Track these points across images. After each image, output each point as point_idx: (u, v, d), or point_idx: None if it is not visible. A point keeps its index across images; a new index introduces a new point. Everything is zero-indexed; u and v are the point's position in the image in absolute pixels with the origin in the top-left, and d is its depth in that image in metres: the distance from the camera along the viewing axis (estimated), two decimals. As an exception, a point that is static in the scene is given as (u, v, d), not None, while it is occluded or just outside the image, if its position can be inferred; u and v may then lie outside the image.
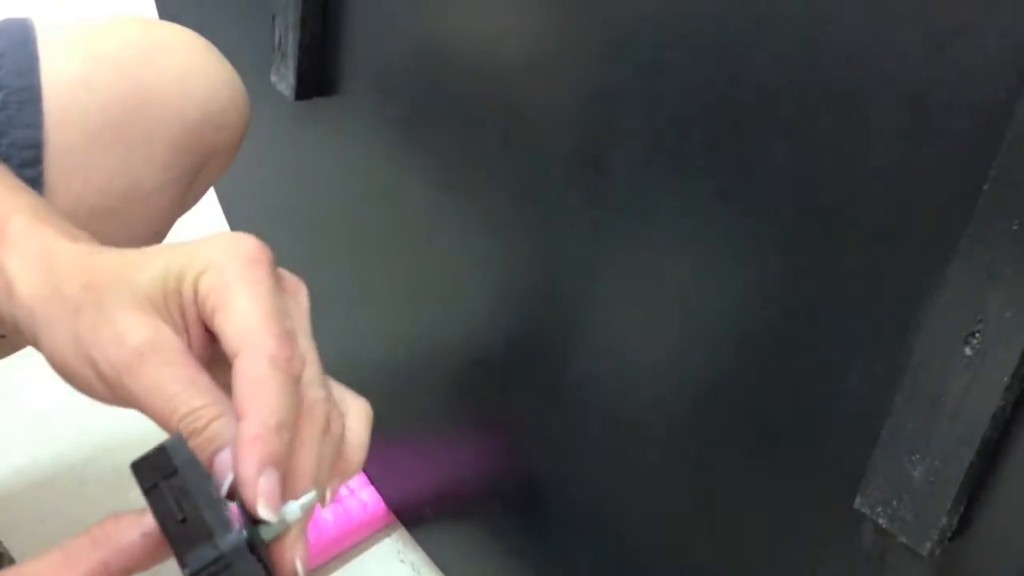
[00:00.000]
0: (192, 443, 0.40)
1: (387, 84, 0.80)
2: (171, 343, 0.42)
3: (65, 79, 0.65)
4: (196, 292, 0.43)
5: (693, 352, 0.63)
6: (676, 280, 0.63)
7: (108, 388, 0.42)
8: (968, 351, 0.47)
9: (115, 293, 0.43)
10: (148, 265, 0.44)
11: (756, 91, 0.55)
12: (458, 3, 0.73)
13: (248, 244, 0.44)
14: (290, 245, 1.03)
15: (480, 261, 0.77)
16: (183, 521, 0.38)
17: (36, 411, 1.02)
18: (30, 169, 0.63)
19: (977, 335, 0.46)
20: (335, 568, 0.95)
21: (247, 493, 0.39)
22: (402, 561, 0.96)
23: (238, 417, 0.40)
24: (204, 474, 0.39)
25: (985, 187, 0.45)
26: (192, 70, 0.69)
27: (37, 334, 0.45)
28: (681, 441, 0.65)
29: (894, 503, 0.51)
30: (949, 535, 0.50)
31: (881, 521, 0.52)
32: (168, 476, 0.38)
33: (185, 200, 0.73)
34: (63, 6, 1.48)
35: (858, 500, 0.53)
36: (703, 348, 0.62)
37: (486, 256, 0.77)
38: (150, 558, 0.40)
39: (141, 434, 0.42)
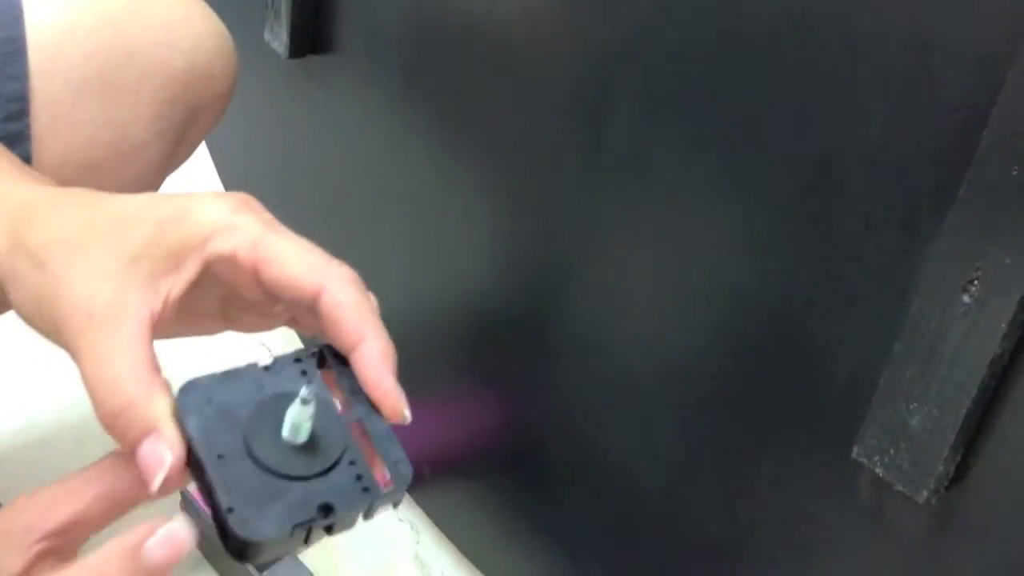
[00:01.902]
0: (117, 430, 0.41)
1: (382, 40, 0.79)
2: (130, 312, 0.42)
3: (50, 30, 0.64)
4: (218, 255, 0.43)
5: (692, 304, 0.63)
6: (676, 232, 0.63)
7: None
8: (967, 298, 0.47)
9: (84, 252, 0.43)
10: (130, 229, 0.44)
11: (755, 42, 0.55)
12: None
13: (241, 198, 0.45)
14: (285, 203, 1.03)
15: (479, 217, 0.77)
16: (212, 508, 0.40)
17: (34, 370, 1.02)
18: (16, 122, 0.62)
19: (976, 283, 0.46)
20: (334, 528, 0.95)
21: (393, 401, 0.43)
22: (400, 520, 0.97)
23: (358, 339, 0.43)
24: (221, 415, 0.41)
25: (984, 133, 0.45)
26: (176, 20, 0.68)
27: (4, 287, 0.45)
28: (679, 394, 0.65)
29: (891, 452, 0.51)
30: (946, 483, 0.50)
31: (878, 470, 0.52)
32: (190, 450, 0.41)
33: (175, 155, 0.72)
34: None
35: (856, 450, 0.53)
36: (702, 300, 0.62)
37: (485, 212, 0.76)
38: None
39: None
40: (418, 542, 0.95)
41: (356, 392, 0.43)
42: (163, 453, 0.40)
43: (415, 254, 0.84)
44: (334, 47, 0.83)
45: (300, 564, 0.86)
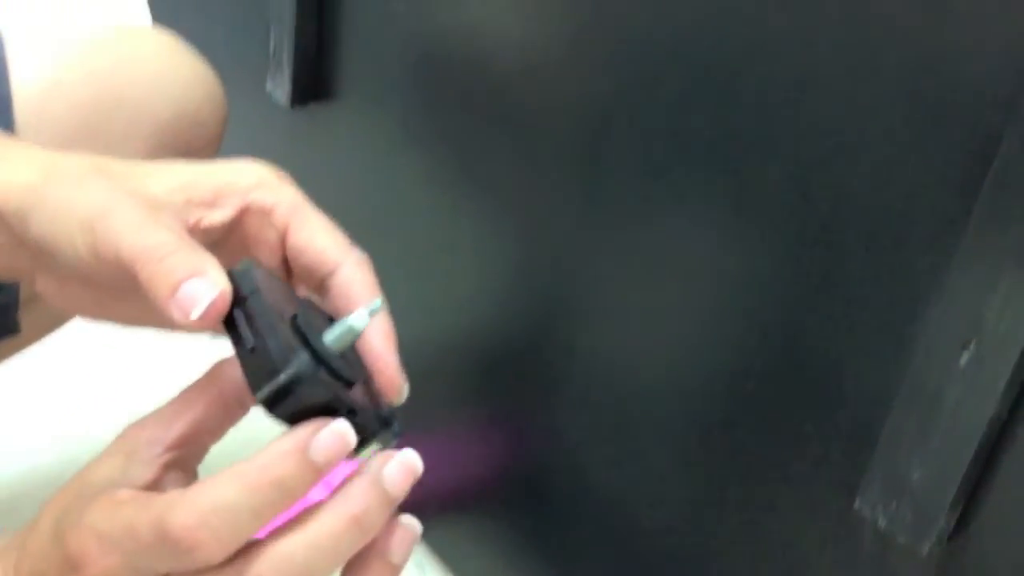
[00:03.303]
0: (160, 275, 0.41)
1: (383, 87, 0.80)
2: (168, 210, 0.44)
3: (36, 84, 0.65)
4: (259, 204, 0.46)
5: (693, 348, 0.64)
6: (672, 279, 0.64)
7: (94, 252, 0.43)
8: (965, 358, 0.48)
9: (124, 175, 0.44)
10: (174, 170, 0.46)
11: (753, 89, 0.56)
12: (454, 5, 0.73)
13: (276, 169, 0.48)
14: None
15: (481, 258, 0.78)
16: (252, 351, 0.40)
17: (41, 413, 1.02)
18: None
19: (973, 343, 0.47)
20: (340, 564, 0.96)
21: (393, 373, 0.45)
22: (406, 556, 0.97)
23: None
24: (271, 296, 0.42)
25: (982, 195, 0.46)
26: (164, 68, 0.69)
27: (28, 216, 0.44)
28: (682, 439, 0.66)
29: (893, 505, 0.52)
30: (948, 535, 0.51)
31: (880, 522, 0.53)
32: (239, 303, 0.41)
33: None
34: (58, 13, 1.47)
35: (858, 502, 0.54)
36: (703, 345, 0.63)
37: (487, 253, 0.77)
38: None
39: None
40: (424, 579, 0.96)
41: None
42: (208, 288, 0.40)
43: (418, 296, 0.85)
44: (336, 94, 0.83)
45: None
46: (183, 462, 0.43)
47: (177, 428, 0.43)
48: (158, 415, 0.43)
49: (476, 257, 0.78)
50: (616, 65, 0.63)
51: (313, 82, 0.83)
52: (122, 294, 0.46)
